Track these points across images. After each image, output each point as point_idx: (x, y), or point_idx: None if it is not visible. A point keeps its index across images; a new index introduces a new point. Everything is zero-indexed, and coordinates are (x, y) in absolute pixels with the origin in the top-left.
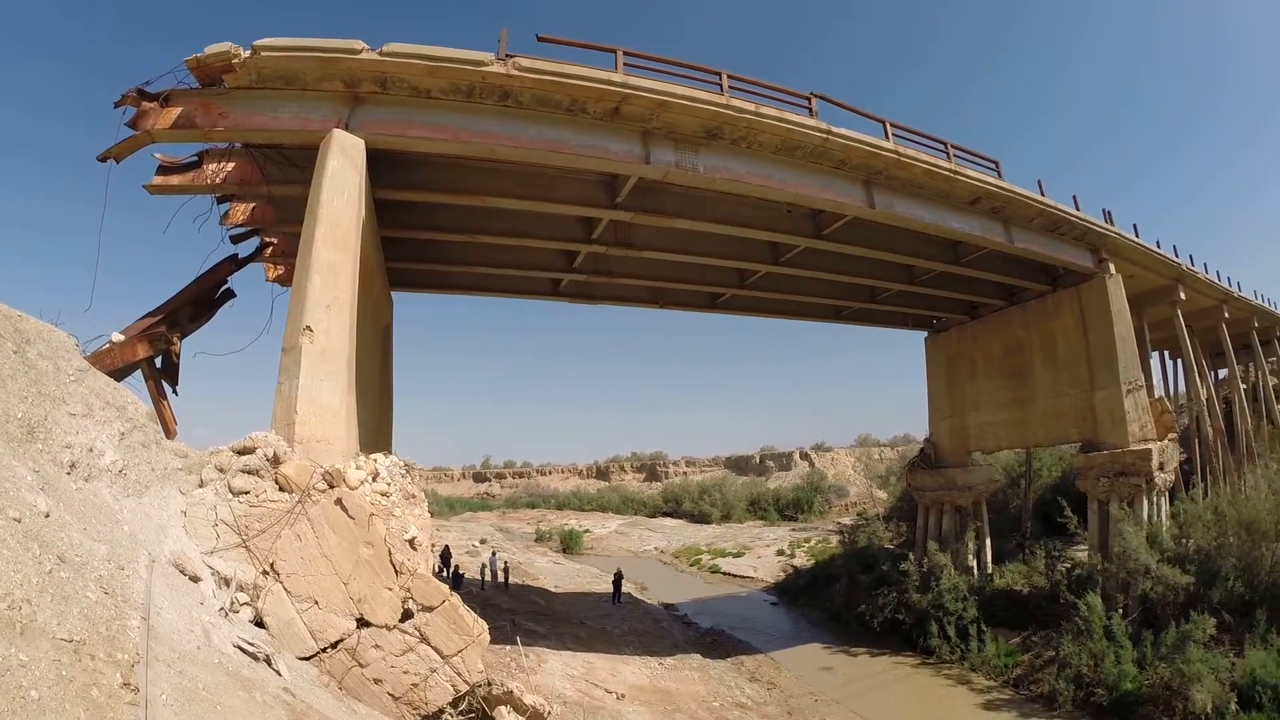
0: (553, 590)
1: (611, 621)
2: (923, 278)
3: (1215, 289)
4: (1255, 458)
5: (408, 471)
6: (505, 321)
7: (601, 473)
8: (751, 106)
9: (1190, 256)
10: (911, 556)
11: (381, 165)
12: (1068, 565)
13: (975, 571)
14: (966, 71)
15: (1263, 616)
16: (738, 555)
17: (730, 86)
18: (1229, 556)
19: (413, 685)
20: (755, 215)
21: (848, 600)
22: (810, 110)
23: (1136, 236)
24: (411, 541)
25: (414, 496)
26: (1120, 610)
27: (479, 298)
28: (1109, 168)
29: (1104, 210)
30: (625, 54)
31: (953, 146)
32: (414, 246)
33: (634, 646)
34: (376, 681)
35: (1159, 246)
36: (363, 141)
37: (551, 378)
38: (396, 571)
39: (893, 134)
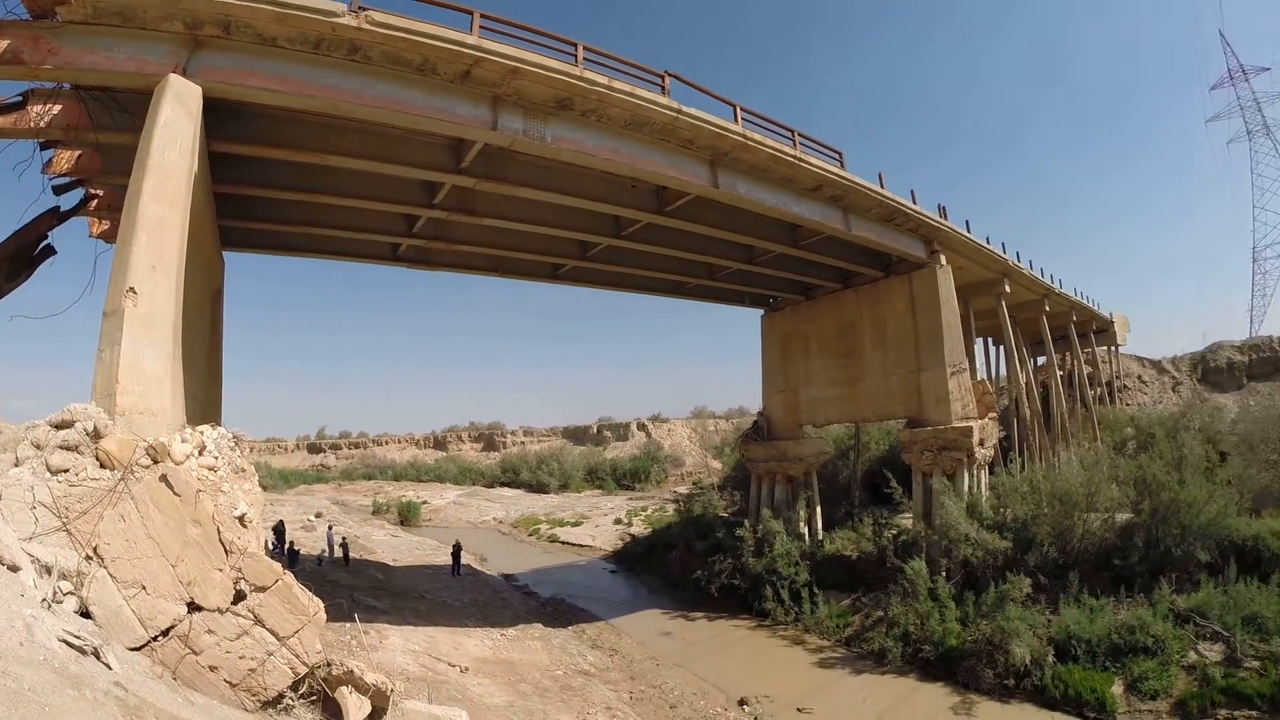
0: (391, 564)
1: (452, 594)
2: (762, 258)
3: (1038, 284)
4: (1069, 437)
5: (237, 444)
6: (342, 285)
7: (439, 443)
8: (604, 80)
9: (1017, 254)
10: (746, 524)
11: (219, 115)
12: (894, 532)
13: (807, 538)
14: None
15: (1075, 578)
16: (576, 524)
17: (585, 58)
18: (1044, 524)
19: (250, 670)
20: (600, 188)
21: (684, 567)
22: (663, 88)
23: (968, 232)
24: (242, 518)
25: (244, 470)
26: (944, 573)
27: (316, 260)
28: (952, 163)
29: (939, 206)
30: (482, 16)
31: (799, 135)
32: (249, 204)
33: (475, 618)
34: (212, 669)
35: (988, 243)
36: (200, 89)
37: (389, 345)
38: (227, 551)
39: (742, 118)
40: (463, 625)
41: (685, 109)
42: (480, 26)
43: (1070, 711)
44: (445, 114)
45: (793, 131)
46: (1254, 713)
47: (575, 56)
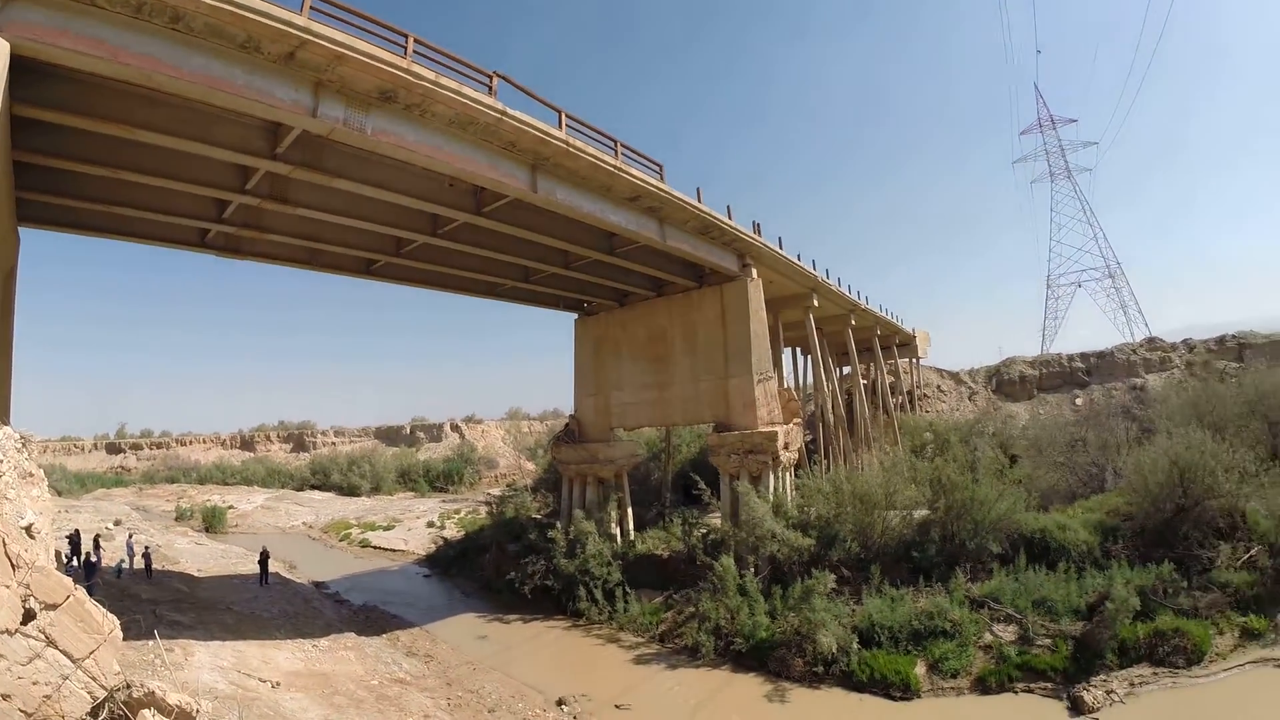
0: (197, 575)
1: (260, 605)
2: (577, 263)
3: (845, 300)
4: (871, 441)
5: (24, 445)
6: (148, 270)
7: (246, 443)
8: (432, 75)
9: (826, 270)
10: (558, 525)
11: (25, 76)
12: (704, 531)
13: (619, 538)
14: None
15: (877, 571)
16: (388, 528)
17: (415, 50)
18: (846, 522)
19: (45, 698)
20: (419, 184)
21: (498, 569)
22: (490, 89)
23: (780, 249)
24: (29, 529)
25: (31, 475)
26: (752, 570)
27: (120, 242)
28: (784, 186)
29: (754, 222)
30: None
31: (622, 145)
32: (50, 175)
33: (286, 630)
34: (5, 697)
35: (799, 259)
36: (8, 45)
37: (196, 338)
38: (13, 565)
39: (566, 124)
40: (273, 638)
41: (510, 111)
42: (311, 7)
43: (877, 693)
44: (265, 95)
45: (615, 141)
46: (1048, 684)
47: (405, 48)
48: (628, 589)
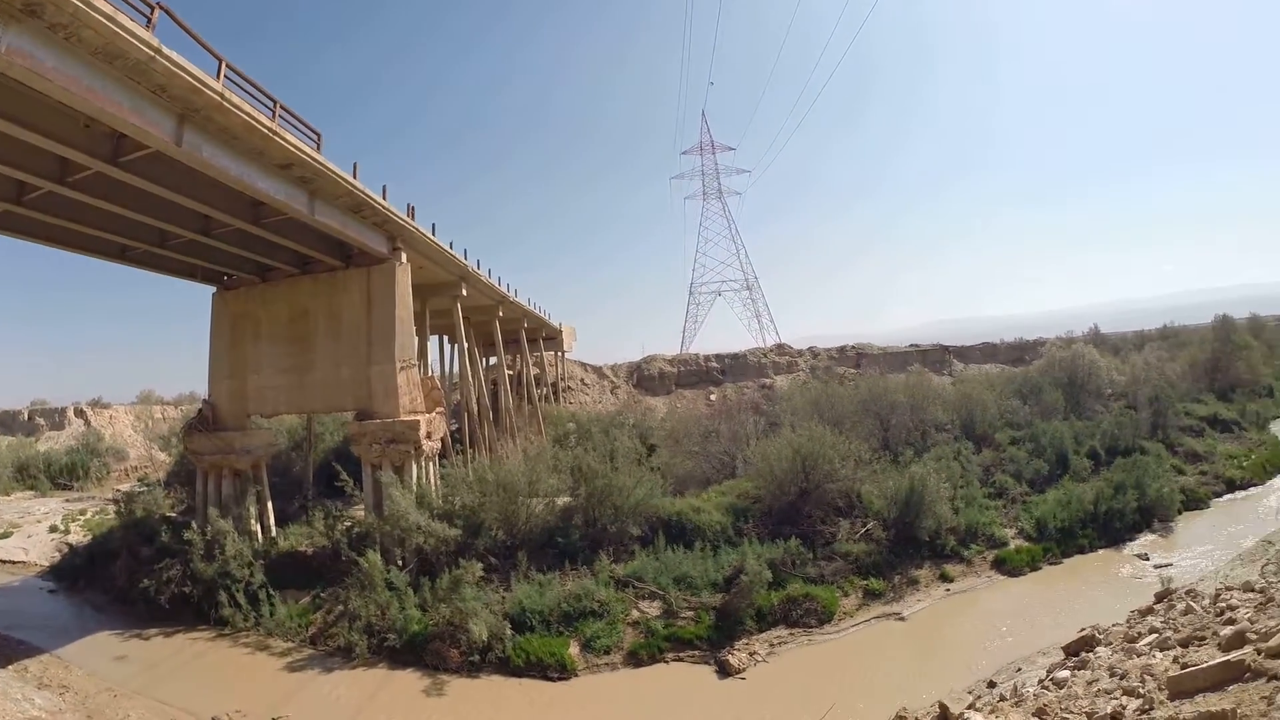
0: None
1: None
2: (219, 231)
3: (494, 291)
4: (515, 432)
5: None
6: None
7: None
8: None
9: (478, 261)
10: (194, 524)
11: None
12: (348, 524)
13: (260, 536)
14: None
15: (524, 557)
16: (5, 536)
17: None
18: (491, 511)
19: None
20: (50, 121)
21: (131, 578)
22: (149, 21)
23: (433, 234)
24: None
25: None
26: (399, 563)
27: None
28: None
29: (408, 205)
30: None
31: (281, 107)
32: None
33: None
34: None
35: (451, 247)
36: None
37: None
38: None
39: (225, 75)
40: None
41: (166, 50)
42: None
43: (536, 676)
44: None
45: (275, 101)
46: (696, 653)
47: None
48: (272, 591)
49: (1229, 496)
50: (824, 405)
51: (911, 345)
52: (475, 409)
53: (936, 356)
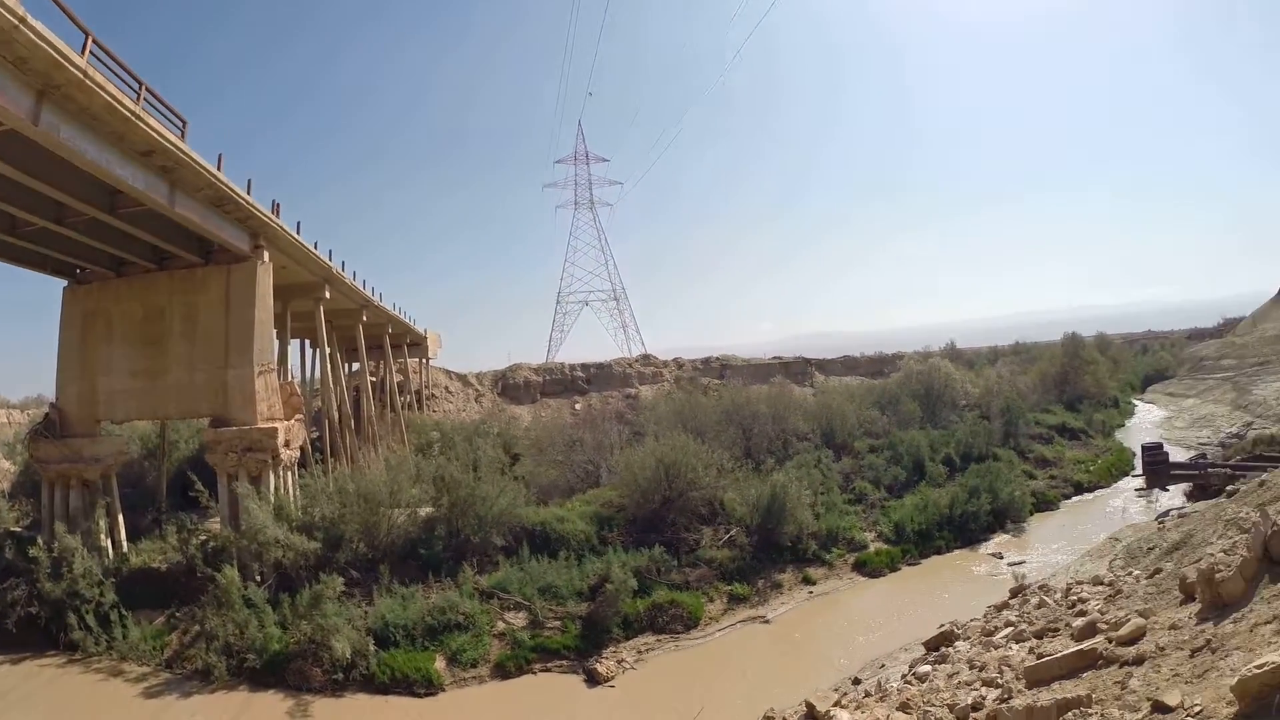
0: None
1: None
2: (73, 220)
3: (359, 294)
4: (378, 440)
5: None
6: None
7: None
8: None
9: (343, 263)
10: (40, 540)
11: None
12: (204, 538)
13: (110, 552)
14: None
15: (386, 570)
16: None
17: None
18: (352, 523)
19: None
20: None
21: None
22: None
23: (297, 234)
24: None
25: None
26: (257, 578)
27: None
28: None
29: (273, 202)
30: None
31: (147, 89)
32: None
33: None
34: None
35: (316, 247)
36: None
37: None
38: None
39: (91, 51)
40: None
41: (32, 19)
42: None
43: (402, 692)
44: None
45: (141, 84)
46: (564, 662)
47: None
48: (125, 611)
49: (1077, 498)
50: (688, 415)
51: (775, 357)
52: (337, 416)
53: (799, 368)
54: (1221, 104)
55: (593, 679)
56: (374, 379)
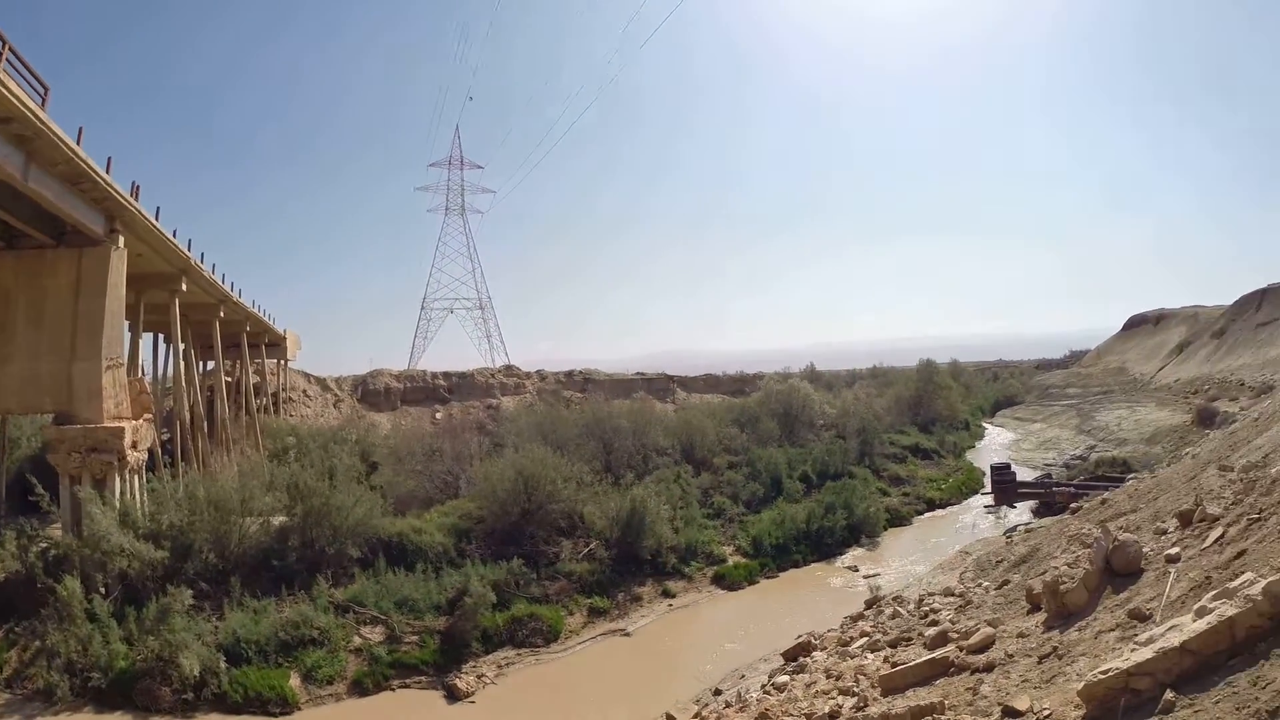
0: None
1: None
2: None
3: (217, 289)
4: (231, 444)
5: None
6: None
7: None
8: None
9: (203, 254)
10: None
11: None
12: (44, 546)
13: None
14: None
15: (237, 582)
16: None
17: None
18: (202, 531)
19: None
20: None
21: None
22: None
23: (156, 219)
24: None
25: None
26: (101, 590)
27: None
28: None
29: (133, 183)
30: None
31: (10, 49)
32: None
33: None
34: None
35: (175, 235)
36: None
37: None
38: None
39: None
40: None
41: None
42: None
43: (256, 712)
44: None
45: (4, 42)
46: (423, 678)
47: None
48: None
49: (929, 514)
50: (549, 428)
51: (638, 373)
52: (189, 418)
53: (661, 385)
54: (1067, 154)
55: (453, 695)
56: (229, 379)
